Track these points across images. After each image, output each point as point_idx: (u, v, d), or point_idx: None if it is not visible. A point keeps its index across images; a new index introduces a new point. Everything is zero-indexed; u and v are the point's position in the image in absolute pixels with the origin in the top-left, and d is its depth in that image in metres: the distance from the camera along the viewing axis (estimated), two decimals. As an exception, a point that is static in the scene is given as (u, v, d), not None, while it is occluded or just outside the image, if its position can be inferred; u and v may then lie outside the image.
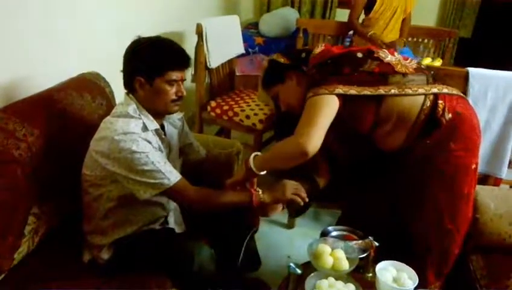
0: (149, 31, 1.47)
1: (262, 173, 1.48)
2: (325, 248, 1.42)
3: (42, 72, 1.67)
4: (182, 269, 1.37)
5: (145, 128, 1.40)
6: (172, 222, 1.60)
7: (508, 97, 2.20)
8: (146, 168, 1.33)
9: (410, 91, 1.46)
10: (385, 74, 1.47)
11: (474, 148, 1.52)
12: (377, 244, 1.45)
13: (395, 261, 1.39)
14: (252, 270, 1.84)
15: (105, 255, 1.46)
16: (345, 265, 1.38)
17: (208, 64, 2.67)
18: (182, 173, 1.45)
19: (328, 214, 2.50)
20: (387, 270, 1.36)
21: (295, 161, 1.41)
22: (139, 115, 1.40)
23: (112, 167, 1.35)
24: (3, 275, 1.32)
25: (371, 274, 1.45)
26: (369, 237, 1.49)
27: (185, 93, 1.45)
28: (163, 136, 1.51)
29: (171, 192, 1.39)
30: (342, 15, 4.04)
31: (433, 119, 1.46)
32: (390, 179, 1.66)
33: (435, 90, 1.48)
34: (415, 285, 1.31)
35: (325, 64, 1.52)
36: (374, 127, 1.54)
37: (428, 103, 1.46)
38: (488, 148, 2.28)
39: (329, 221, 2.33)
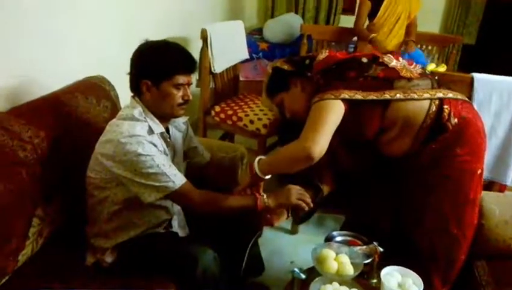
0: (154, 36, 1.47)
1: (267, 177, 1.48)
2: (330, 253, 1.40)
3: (47, 75, 1.68)
4: (185, 273, 1.36)
5: (150, 131, 1.40)
6: (176, 226, 1.60)
7: (512, 103, 2.20)
8: (151, 171, 1.33)
9: (415, 96, 1.46)
10: (390, 79, 1.48)
11: (479, 152, 1.52)
12: (381, 249, 1.44)
13: (400, 267, 1.37)
14: (256, 275, 1.84)
15: (108, 258, 1.46)
16: (350, 270, 1.36)
17: (212, 69, 2.68)
18: (186, 176, 1.44)
19: (332, 219, 2.50)
20: (392, 276, 1.34)
21: (300, 164, 1.40)
22: (145, 118, 1.41)
23: (117, 169, 1.35)
24: (7, 277, 1.32)
25: (375, 280, 1.44)
26: (374, 243, 1.47)
27: (191, 97, 1.45)
28: (168, 140, 1.51)
29: (175, 195, 1.39)
30: (346, 21, 4.06)
31: (439, 125, 1.46)
32: (395, 184, 1.65)
33: (440, 94, 1.48)
34: (420, 291, 1.30)
35: (329, 70, 1.52)
36: (380, 133, 1.53)
37: (434, 108, 1.46)
38: (492, 154, 2.28)
39: (333, 227, 2.32)
